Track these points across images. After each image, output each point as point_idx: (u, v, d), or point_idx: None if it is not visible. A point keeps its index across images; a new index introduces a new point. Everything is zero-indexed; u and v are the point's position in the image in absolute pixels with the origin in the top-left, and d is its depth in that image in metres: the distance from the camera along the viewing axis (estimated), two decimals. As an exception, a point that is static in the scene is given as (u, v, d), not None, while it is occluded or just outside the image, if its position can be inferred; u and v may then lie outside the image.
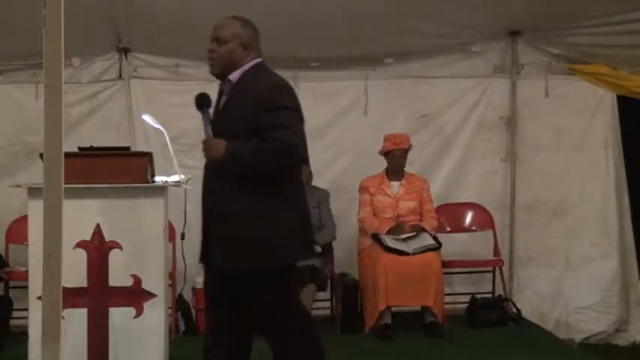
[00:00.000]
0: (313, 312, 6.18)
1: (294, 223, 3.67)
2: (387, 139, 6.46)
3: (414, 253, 6.08)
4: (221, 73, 3.71)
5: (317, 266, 6.13)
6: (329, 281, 6.42)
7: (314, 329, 3.82)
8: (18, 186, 4.73)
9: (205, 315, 4.08)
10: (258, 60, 3.76)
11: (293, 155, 3.54)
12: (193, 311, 6.45)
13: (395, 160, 6.43)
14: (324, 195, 6.54)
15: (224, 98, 3.73)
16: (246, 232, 3.59)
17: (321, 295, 6.40)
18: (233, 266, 3.64)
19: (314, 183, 6.60)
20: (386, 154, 6.47)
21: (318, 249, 6.19)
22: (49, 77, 2.06)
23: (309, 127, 6.87)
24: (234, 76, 3.68)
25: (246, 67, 3.70)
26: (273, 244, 3.59)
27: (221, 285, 3.78)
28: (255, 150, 3.46)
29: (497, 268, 6.71)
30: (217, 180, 3.65)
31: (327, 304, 6.67)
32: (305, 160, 3.69)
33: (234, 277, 3.68)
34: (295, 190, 3.73)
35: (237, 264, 3.62)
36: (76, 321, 4.26)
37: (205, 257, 3.84)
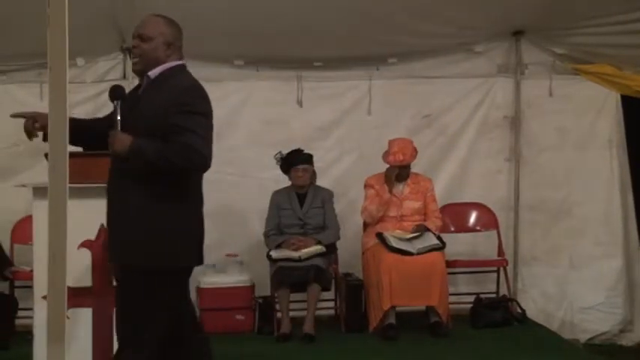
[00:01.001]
0: (318, 312, 6.20)
1: (185, 229, 3.59)
2: (391, 152, 6.40)
3: (418, 253, 6.08)
4: (143, 70, 3.64)
5: (321, 266, 6.12)
6: (333, 281, 6.41)
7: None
8: (23, 186, 4.74)
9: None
10: (180, 62, 3.70)
11: (195, 160, 3.47)
12: (197, 311, 6.44)
13: (398, 171, 6.41)
14: (328, 195, 6.54)
15: (140, 93, 3.67)
16: (134, 231, 3.51)
17: (326, 294, 6.40)
18: (120, 262, 3.62)
19: (318, 183, 6.60)
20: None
21: (322, 249, 6.21)
22: (54, 77, 2.06)
23: (313, 126, 6.98)
24: (153, 72, 3.60)
25: (167, 66, 3.62)
26: (158, 247, 3.49)
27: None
28: (159, 150, 3.39)
29: (501, 268, 6.70)
30: (121, 176, 3.58)
31: (331, 303, 6.66)
32: (208, 166, 3.55)
33: (124, 273, 3.66)
34: (193, 196, 3.65)
35: (122, 261, 3.59)
36: (80, 320, 4.26)
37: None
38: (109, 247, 3.65)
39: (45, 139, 3.58)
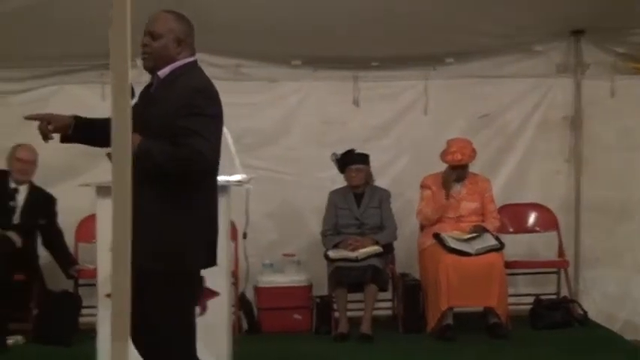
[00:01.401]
0: (375, 312, 6.19)
1: (192, 230, 3.53)
2: (449, 151, 6.36)
3: (476, 254, 6.03)
4: (154, 68, 3.56)
5: (378, 266, 6.11)
6: (390, 281, 6.39)
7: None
8: (87, 185, 4.81)
9: None
10: (192, 59, 3.61)
11: (201, 164, 3.42)
12: (256, 310, 6.49)
13: (456, 173, 6.37)
14: (385, 195, 6.52)
15: (151, 92, 3.61)
16: (144, 233, 3.38)
17: (383, 295, 6.38)
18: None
19: (375, 183, 6.59)
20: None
21: (379, 249, 6.20)
22: (116, 78, 2.08)
23: (370, 126, 6.97)
24: (163, 72, 3.53)
25: (178, 63, 3.54)
26: (167, 248, 3.44)
27: None
28: (166, 152, 3.33)
29: (561, 269, 6.61)
30: (135, 177, 3.54)
31: (389, 304, 6.65)
32: (210, 170, 3.52)
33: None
34: (204, 197, 3.57)
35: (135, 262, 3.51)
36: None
37: None
38: None
39: (62, 140, 3.62)
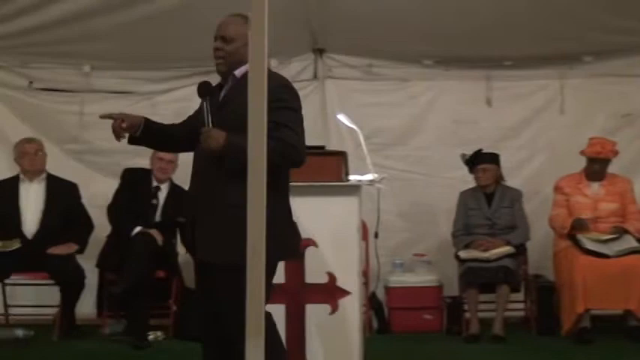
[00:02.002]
0: (507, 313, 6.10)
1: (287, 221, 3.56)
2: (591, 144, 6.22)
3: (616, 256, 5.85)
4: (227, 72, 3.61)
5: (510, 267, 6.02)
6: (523, 282, 6.28)
7: None
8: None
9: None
10: None
11: (292, 156, 3.44)
12: (386, 310, 6.49)
13: (593, 167, 6.20)
14: (516, 194, 6.42)
15: (225, 91, 3.63)
16: (239, 224, 3.25)
17: (515, 296, 6.28)
18: (215, 259, 3.47)
19: (507, 182, 6.48)
20: (588, 158, 6.25)
21: (512, 250, 6.09)
22: (254, 78, 2.12)
23: (503, 126, 6.86)
24: (239, 71, 3.57)
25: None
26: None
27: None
28: None
29: None
30: (210, 173, 3.51)
31: (521, 305, 6.53)
32: (303, 162, 3.50)
33: (214, 272, 3.51)
34: (287, 189, 3.60)
35: (221, 257, 3.43)
36: (273, 317, 4.35)
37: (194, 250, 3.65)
38: (201, 245, 3.54)
39: (130, 141, 3.66)
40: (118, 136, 3.61)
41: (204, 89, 3.61)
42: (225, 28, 3.60)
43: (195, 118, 3.70)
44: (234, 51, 3.57)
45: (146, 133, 3.62)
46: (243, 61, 3.53)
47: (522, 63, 6.82)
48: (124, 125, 3.57)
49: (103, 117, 3.66)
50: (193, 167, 3.67)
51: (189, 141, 3.67)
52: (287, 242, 3.57)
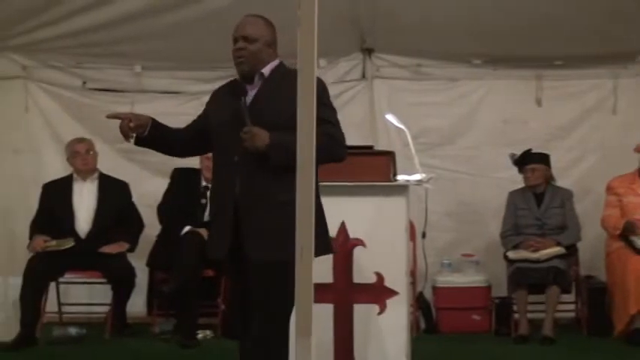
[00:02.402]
0: (557, 314, 6.05)
1: (323, 217, 3.55)
2: None
3: (671, 257, 5.78)
4: (250, 72, 3.60)
5: (561, 267, 5.96)
6: (573, 283, 6.22)
7: None
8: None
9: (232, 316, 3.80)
10: (279, 60, 3.67)
11: (339, 151, 3.48)
12: (433, 310, 6.47)
13: None
14: (567, 194, 6.36)
15: (253, 92, 3.61)
16: (289, 221, 3.24)
17: (565, 297, 6.21)
18: (268, 257, 3.45)
19: (558, 182, 6.42)
20: None
21: (562, 250, 6.03)
22: (303, 78, 2.13)
23: (553, 126, 6.78)
24: (266, 70, 3.60)
25: (274, 64, 3.62)
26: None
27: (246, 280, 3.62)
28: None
29: None
30: (253, 169, 3.49)
31: (571, 306, 6.46)
32: (345, 157, 3.54)
33: (257, 270, 3.50)
34: (317, 186, 3.44)
35: (273, 254, 3.39)
36: (322, 316, 4.37)
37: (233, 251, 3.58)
38: (253, 243, 3.51)
39: (136, 142, 3.61)
40: (127, 136, 3.57)
41: (238, 90, 3.62)
42: (247, 29, 3.63)
43: (202, 123, 3.74)
44: (257, 51, 3.60)
45: (153, 133, 3.61)
46: (265, 61, 3.61)
47: (574, 62, 6.75)
48: (131, 125, 3.55)
49: (109, 117, 3.63)
50: (218, 167, 3.67)
51: (193, 145, 3.79)
52: (326, 239, 3.58)
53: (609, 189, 6.27)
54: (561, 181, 6.47)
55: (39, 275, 5.83)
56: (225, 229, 3.55)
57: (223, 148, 3.61)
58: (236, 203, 3.53)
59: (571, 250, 6.21)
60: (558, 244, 6.12)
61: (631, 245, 5.91)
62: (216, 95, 3.80)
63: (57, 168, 6.56)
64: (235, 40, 3.63)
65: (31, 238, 6.02)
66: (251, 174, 3.52)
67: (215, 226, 3.73)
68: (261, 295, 3.52)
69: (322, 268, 4.38)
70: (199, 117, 3.81)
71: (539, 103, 6.90)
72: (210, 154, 6.15)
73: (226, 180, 3.59)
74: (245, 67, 3.62)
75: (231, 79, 3.77)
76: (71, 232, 6.06)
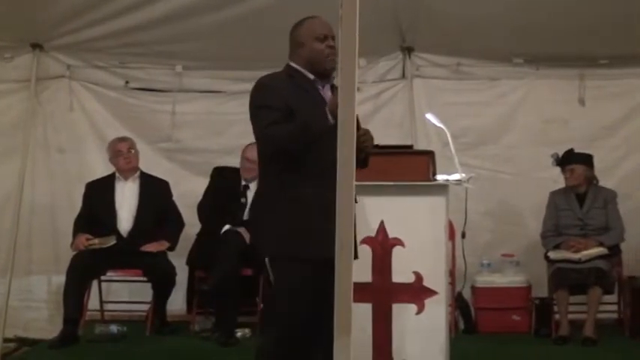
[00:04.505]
0: (599, 315, 5.99)
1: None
2: None
3: None
4: (332, 70, 3.73)
5: (603, 268, 5.90)
6: (616, 284, 6.15)
7: None
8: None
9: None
10: None
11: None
12: (472, 310, 6.44)
13: None
14: (610, 195, 6.29)
15: (328, 90, 3.73)
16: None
17: (607, 298, 6.15)
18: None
19: (601, 182, 6.36)
20: None
21: (604, 251, 5.98)
22: (345, 77, 2.14)
23: (596, 125, 6.72)
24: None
25: None
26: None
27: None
28: None
29: None
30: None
31: (614, 307, 6.40)
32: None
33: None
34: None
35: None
36: (360, 315, 4.37)
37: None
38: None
39: None
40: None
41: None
42: (333, 29, 3.72)
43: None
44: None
45: None
46: None
47: (617, 62, 6.68)
48: None
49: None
50: (315, 164, 3.58)
51: None
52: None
53: (652, 189, 6.20)
54: (605, 182, 6.41)
55: (81, 273, 5.90)
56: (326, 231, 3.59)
57: (318, 146, 3.54)
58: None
59: (614, 251, 6.14)
60: (601, 244, 6.06)
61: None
62: (286, 89, 3.73)
63: (100, 167, 6.63)
64: (325, 38, 3.73)
65: (74, 236, 6.09)
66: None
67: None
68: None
69: (361, 268, 4.39)
70: (284, 113, 3.66)
71: (582, 102, 6.84)
72: (247, 154, 6.22)
73: (328, 178, 3.63)
74: (333, 64, 3.70)
75: (275, 71, 3.86)
76: (113, 230, 6.12)
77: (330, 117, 3.47)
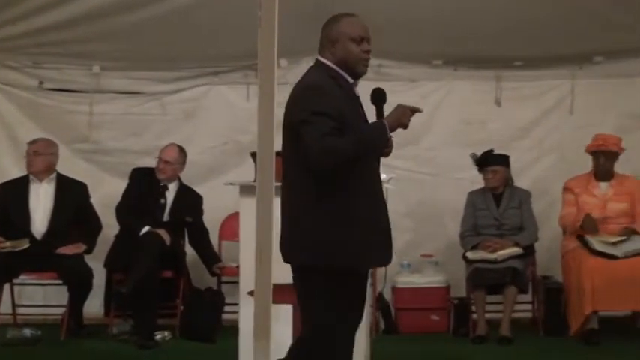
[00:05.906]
0: (514, 314, 6.11)
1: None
2: (594, 138, 6.21)
3: (624, 257, 5.83)
4: (364, 74, 3.61)
5: (518, 268, 6.01)
6: (530, 283, 6.27)
7: None
8: (231, 184, 4.91)
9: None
10: None
11: None
12: (393, 310, 6.48)
13: (598, 162, 6.18)
14: (525, 195, 6.40)
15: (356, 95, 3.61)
16: None
17: (522, 297, 6.27)
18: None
19: (516, 183, 6.47)
20: (591, 153, 6.23)
21: (519, 251, 6.08)
22: (263, 78, 2.13)
23: (512, 126, 6.83)
24: None
25: None
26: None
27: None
28: None
29: None
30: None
31: (528, 306, 6.51)
32: None
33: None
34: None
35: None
36: (281, 317, 4.35)
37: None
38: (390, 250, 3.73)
39: None
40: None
41: (379, 96, 3.64)
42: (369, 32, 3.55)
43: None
44: None
45: None
46: None
47: (533, 63, 6.81)
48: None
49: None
50: (364, 174, 3.50)
51: None
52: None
53: (566, 189, 6.31)
54: (519, 182, 6.52)
55: (-7, 276, 5.77)
56: (389, 237, 3.67)
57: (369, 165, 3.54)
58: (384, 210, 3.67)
59: (528, 251, 6.25)
60: (516, 244, 6.16)
61: (586, 245, 5.96)
62: (338, 95, 3.47)
63: (13, 168, 6.49)
64: (362, 40, 3.53)
65: (-15, 239, 5.94)
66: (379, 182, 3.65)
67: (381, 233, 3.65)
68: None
69: (283, 269, 4.37)
70: (338, 124, 3.37)
71: (498, 103, 6.94)
72: (162, 154, 6.15)
73: (377, 183, 3.63)
74: (365, 70, 3.58)
75: (325, 73, 3.54)
76: (27, 233, 5.99)
77: (389, 132, 3.46)
